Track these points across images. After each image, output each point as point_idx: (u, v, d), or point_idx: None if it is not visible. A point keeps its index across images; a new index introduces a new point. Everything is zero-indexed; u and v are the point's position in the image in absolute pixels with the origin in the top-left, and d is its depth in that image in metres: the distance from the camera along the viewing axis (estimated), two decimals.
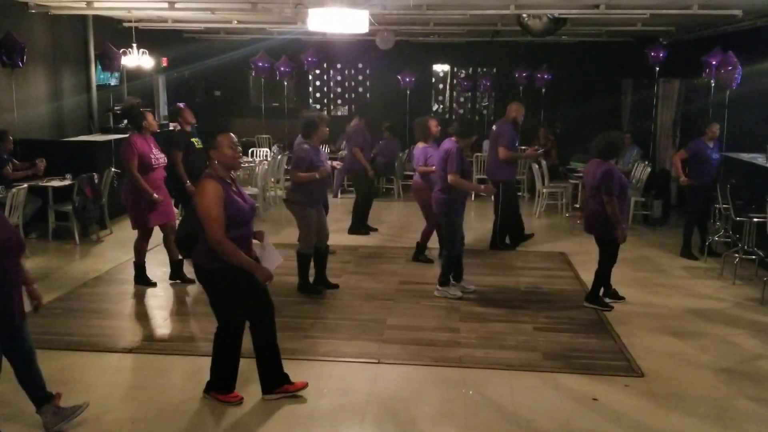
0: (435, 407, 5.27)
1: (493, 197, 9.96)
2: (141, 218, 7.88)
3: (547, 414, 5.17)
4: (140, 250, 8.10)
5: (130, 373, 5.90)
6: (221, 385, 5.27)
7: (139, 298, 7.77)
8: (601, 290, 7.71)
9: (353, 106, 17.08)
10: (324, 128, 7.69)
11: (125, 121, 13.11)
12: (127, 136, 8.08)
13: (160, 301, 7.74)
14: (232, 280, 4.92)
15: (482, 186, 8.17)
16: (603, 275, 7.60)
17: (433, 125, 8.90)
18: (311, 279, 7.91)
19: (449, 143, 7.67)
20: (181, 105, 8.85)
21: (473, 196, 13.59)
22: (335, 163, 11.71)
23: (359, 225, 10.90)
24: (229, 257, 4.76)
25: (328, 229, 8.02)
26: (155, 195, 7.73)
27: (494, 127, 10.19)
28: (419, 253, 9.29)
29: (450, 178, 7.47)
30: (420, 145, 8.87)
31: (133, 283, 8.14)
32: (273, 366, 5.31)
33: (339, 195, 13.61)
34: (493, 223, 10.16)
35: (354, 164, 10.89)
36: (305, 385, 5.39)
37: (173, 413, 5.12)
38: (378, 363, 6.03)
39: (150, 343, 6.51)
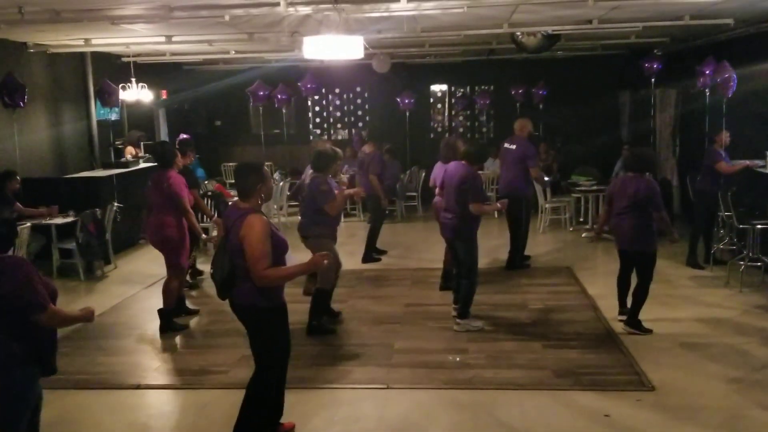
0: (446, 430, 5.25)
1: (507, 215, 9.88)
2: (183, 256, 7.74)
3: None
4: (172, 293, 7.71)
5: (139, 409, 5.88)
6: (275, 420, 5.09)
7: (146, 332, 7.74)
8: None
9: (361, 132, 17.00)
10: (339, 163, 7.73)
11: (147, 156, 13.28)
12: (164, 172, 7.69)
13: (167, 335, 7.72)
14: (282, 318, 4.84)
15: (498, 204, 7.88)
16: (641, 296, 7.26)
17: (461, 145, 8.43)
18: None
19: (462, 168, 7.38)
20: (187, 137, 8.77)
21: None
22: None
23: (372, 253, 10.80)
24: (279, 280, 4.66)
25: (340, 260, 7.80)
26: (204, 236, 7.60)
27: (507, 145, 10.03)
28: (449, 280, 8.60)
29: (474, 207, 7.20)
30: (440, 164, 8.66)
31: (159, 331, 7.65)
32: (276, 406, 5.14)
33: (342, 219, 13.61)
34: (512, 243, 10.01)
35: (369, 191, 10.64)
36: (292, 427, 5.27)
37: None
38: (387, 388, 6.01)
39: (158, 378, 6.50)
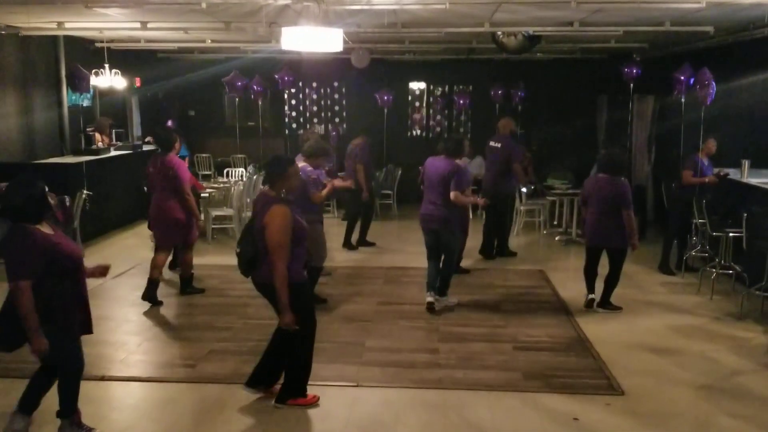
0: (415, 430, 5.19)
1: (486, 212, 10.77)
2: (192, 234, 8.33)
3: None
4: (189, 260, 8.55)
5: (102, 401, 5.74)
6: (302, 388, 5.50)
7: (113, 322, 7.59)
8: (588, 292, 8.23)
9: (338, 128, 16.97)
10: (327, 158, 8.13)
11: (147, 139, 13.25)
12: (165, 156, 8.19)
13: (133, 326, 7.59)
14: (299, 295, 5.19)
15: (478, 199, 8.71)
16: (613, 282, 8.07)
17: (466, 144, 8.87)
18: None
19: (444, 161, 7.92)
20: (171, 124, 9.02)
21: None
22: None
23: (362, 240, 11.39)
24: (279, 282, 5.03)
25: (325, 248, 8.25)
26: (201, 220, 8.27)
27: (492, 143, 10.55)
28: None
29: (454, 195, 7.74)
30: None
31: (180, 292, 8.58)
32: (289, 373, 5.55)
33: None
34: (487, 235, 10.68)
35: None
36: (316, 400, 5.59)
37: None
38: (357, 386, 5.95)
39: (123, 370, 6.37)
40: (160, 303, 8.20)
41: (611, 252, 7.99)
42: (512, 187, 10.91)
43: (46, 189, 4.66)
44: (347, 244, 11.24)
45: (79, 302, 4.80)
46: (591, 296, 8.15)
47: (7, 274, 4.44)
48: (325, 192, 7.79)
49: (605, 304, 8.10)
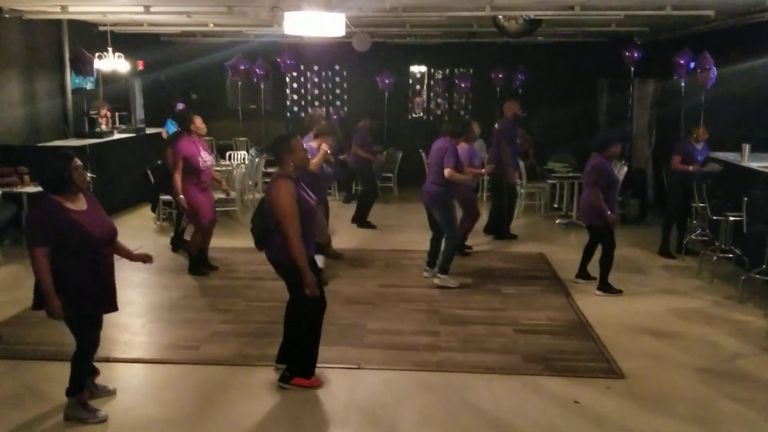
0: (416, 412, 5.26)
1: (492, 192, 11.18)
2: (196, 217, 8.48)
3: (529, 418, 5.17)
4: (196, 242, 8.71)
5: (107, 382, 5.78)
6: (309, 368, 5.59)
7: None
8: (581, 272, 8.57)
9: (339, 111, 17.02)
10: (332, 138, 8.12)
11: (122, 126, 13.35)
12: (179, 137, 8.58)
13: (137, 308, 7.65)
14: (312, 267, 5.31)
15: (470, 176, 8.80)
16: (605, 262, 8.11)
17: (476, 127, 9.41)
18: None
19: (443, 142, 8.30)
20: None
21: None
22: None
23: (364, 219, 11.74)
24: (293, 250, 5.13)
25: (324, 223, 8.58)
26: (182, 196, 8.25)
27: (495, 126, 11.07)
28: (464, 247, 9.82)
29: (447, 172, 8.05)
30: (463, 145, 8.87)
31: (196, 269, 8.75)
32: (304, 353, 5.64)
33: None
34: (493, 214, 11.03)
35: (357, 163, 12.03)
36: (319, 384, 5.64)
37: (148, 424, 5.09)
38: (358, 368, 6.02)
39: (127, 352, 6.44)
40: (210, 270, 8.80)
41: (593, 230, 8.23)
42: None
43: (74, 164, 4.76)
44: (360, 222, 11.72)
45: (95, 280, 4.88)
46: (575, 279, 8.56)
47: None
48: (316, 159, 7.80)
49: (603, 285, 8.16)
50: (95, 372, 5.46)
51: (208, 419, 5.11)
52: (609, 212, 7.85)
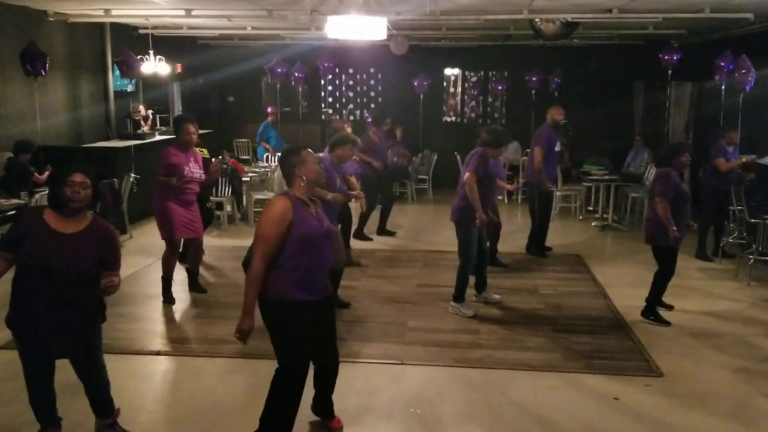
0: (459, 407, 5.37)
1: (529, 202, 10.12)
2: (166, 229, 7.61)
3: (570, 414, 5.27)
4: (168, 263, 7.81)
5: (159, 375, 6.03)
6: None
7: (157, 300, 7.86)
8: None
9: (373, 114, 17.01)
10: (351, 148, 7.48)
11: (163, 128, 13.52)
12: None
13: (183, 304, 7.84)
14: (291, 316, 4.42)
15: (483, 216, 7.28)
16: (658, 287, 7.35)
17: (503, 137, 8.04)
18: None
19: (477, 150, 7.43)
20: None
21: (505, 198, 13.79)
22: None
23: (359, 232, 10.75)
24: (247, 278, 4.31)
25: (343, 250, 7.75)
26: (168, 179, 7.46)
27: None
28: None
29: (467, 176, 7.20)
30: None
31: (161, 295, 7.88)
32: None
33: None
34: (532, 229, 10.18)
35: (363, 169, 10.44)
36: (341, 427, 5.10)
37: (205, 414, 5.25)
38: (401, 364, 6.14)
39: (178, 346, 6.63)
40: (172, 302, 7.88)
41: (654, 252, 7.36)
42: (549, 178, 9.95)
43: (71, 179, 4.16)
44: (381, 231, 11.17)
45: (42, 306, 4.16)
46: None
47: None
48: (335, 198, 7.01)
49: (649, 311, 7.37)
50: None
51: (260, 408, 5.25)
52: (674, 227, 6.90)
